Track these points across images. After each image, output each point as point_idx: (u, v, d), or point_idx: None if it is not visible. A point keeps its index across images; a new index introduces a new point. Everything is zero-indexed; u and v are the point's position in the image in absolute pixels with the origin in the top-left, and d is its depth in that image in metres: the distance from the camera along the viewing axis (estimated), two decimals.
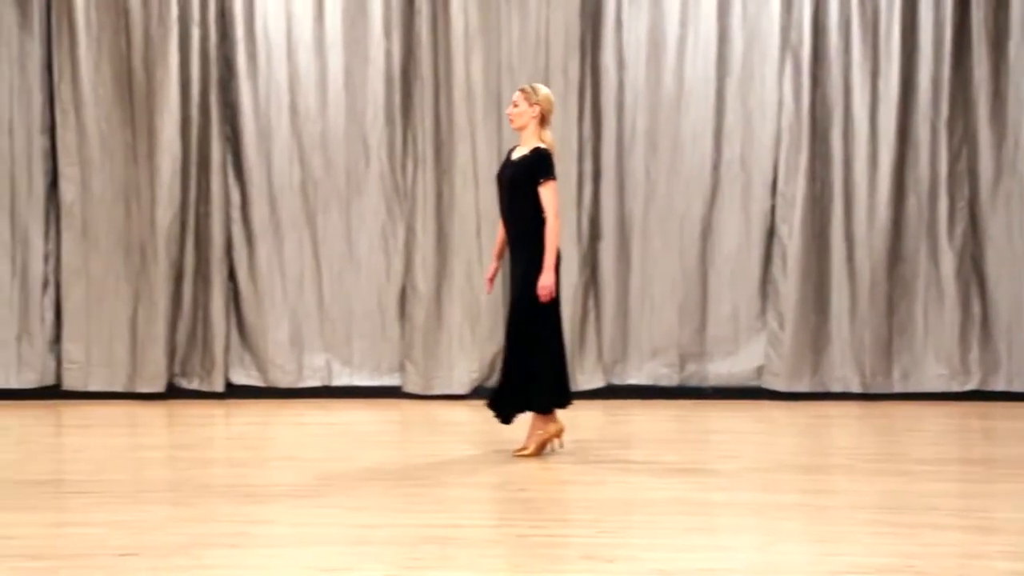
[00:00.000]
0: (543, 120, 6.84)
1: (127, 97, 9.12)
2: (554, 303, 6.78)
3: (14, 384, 9.17)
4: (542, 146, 6.82)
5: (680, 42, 9.24)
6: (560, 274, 6.88)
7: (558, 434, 7.02)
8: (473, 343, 9.22)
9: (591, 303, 9.33)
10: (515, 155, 6.92)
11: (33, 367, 9.21)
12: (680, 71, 9.25)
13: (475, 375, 9.23)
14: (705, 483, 6.37)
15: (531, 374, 6.81)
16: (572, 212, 9.20)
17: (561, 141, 9.15)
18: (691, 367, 9.34)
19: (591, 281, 9.34)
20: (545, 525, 5.49)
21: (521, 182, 6.78)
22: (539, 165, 6.75)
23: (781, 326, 9.22)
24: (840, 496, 6.17)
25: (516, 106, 6.86)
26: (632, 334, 9.34)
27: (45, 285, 9.25)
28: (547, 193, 6.73)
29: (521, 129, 6.89)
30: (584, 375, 9.23)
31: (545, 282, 6.69)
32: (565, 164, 9.18)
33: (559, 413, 7.03)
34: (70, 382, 9.20)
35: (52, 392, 9.19)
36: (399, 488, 6.24)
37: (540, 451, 6.94)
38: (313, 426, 8.29)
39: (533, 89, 6.87)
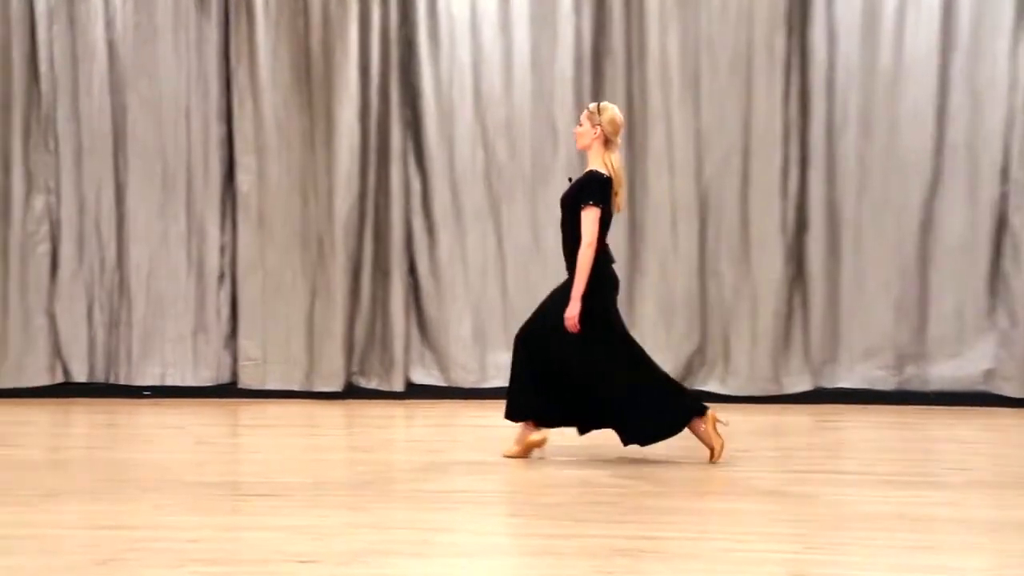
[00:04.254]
0: (607, 142, 6.89)
1: (305, 82, 9.34)
2: (604, 331, 6.82)
3: (190, 382, 9.47)
4: (598, 169, 6.88)
5: (899, 14, 9.02)
6: (607, 298, 6.85)
7: (540, 444, 7.12)
8: (668, 341, 9.16)
9: (797, 300, 9.19)
10: (577, 176, 7.04)
11: (209, 364, 9.51)
12: (898, 46, 9.03)
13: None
14: (928, 497, 6.21)
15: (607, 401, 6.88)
16: (776, 201, 9.08)
17: (765, 123, 9.04)
18: (910, 370, 9.12)
19: (797, 276, 9.19)
20: (748, 539, 5.42)
21: (570, 204, 6.90)
22: (586, 189, 6.83)
23: (1013, 325, 8.93)
24: None
25: (580, 125, 6.97)
26: (843, 333, 9.17)
27: (221, 278, 9.53)
28: (586, 219, 6.79)
29: (585, 149, 6.98)
30: (789, 377, 9.11)
31: (570, 313, 6.78)
32: (768, 149, 9.07)
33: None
34: (246, 380, 9.47)
35: (228, 390, 9.47)
36: (589, 496, 6.24)
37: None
38: (498, 429, 8.35)
39: (599, 109, 6.93)
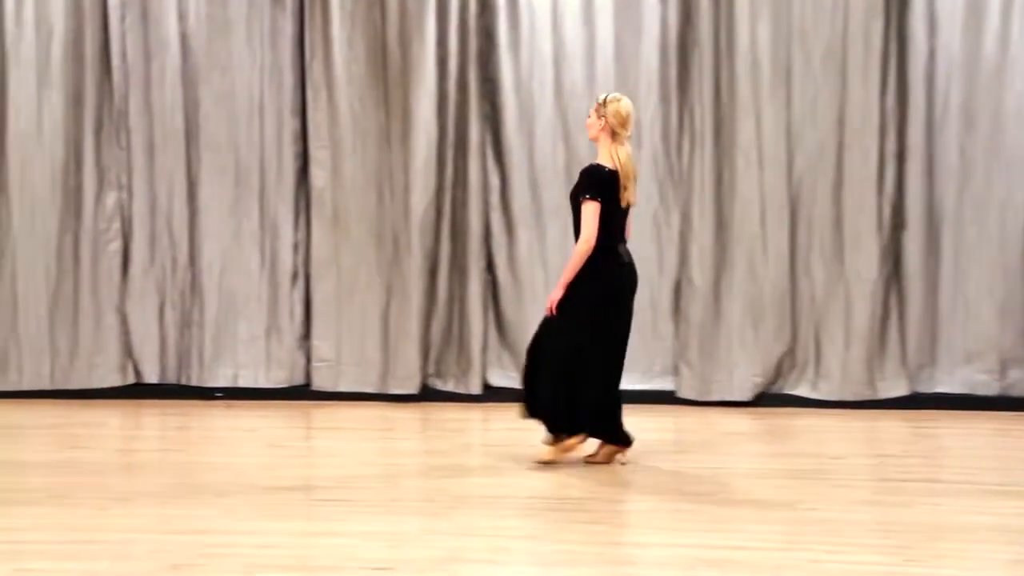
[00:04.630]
0: (614, 135, 7.02)
1: (381, 75, 9.37)
2: (577, 324, 6.97)
3: (263, 383, 9.54)
4: (601, 163, 7.04)
5: (1005, 1, 8.88)
6: (598, 294, 7.00)
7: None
8: (756, 343, 9.10)
9: (893, 300, 9.07)
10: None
11: (282, 365, 9.57)
12: (1004, 34, 8.88)
13: (759, 379, 9.11)
14: None
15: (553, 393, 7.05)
16: (872, 197, 8.97)
17: (860, 116, 8.93)
18: (1015, 374, 8.98)
19: (893, 275, 9.08)
20: (841, 550, 5.37)
21: (572, 196, 7.14)
22: (584, 183, 7.02)
23: None
24: None
25: (589, 117, 7.16)
26: (942, 336, 9.04)
27: (294, 277, 9.59)
28: (585, 212, 6.97)
29: (594, 141, 7.17)
30: (884, 381, 9.00)
31: (553, 296, 7.04)
32: (864, 142, 8.97)
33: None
34: (319, 382, 9.52)
35: (301, 392, 9.53)
36: (672, 504, 6.21)
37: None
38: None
39: (605, 101, 7.08)
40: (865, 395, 9.04)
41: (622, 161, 7.00)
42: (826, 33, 9.00)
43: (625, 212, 7.11)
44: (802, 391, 9.14)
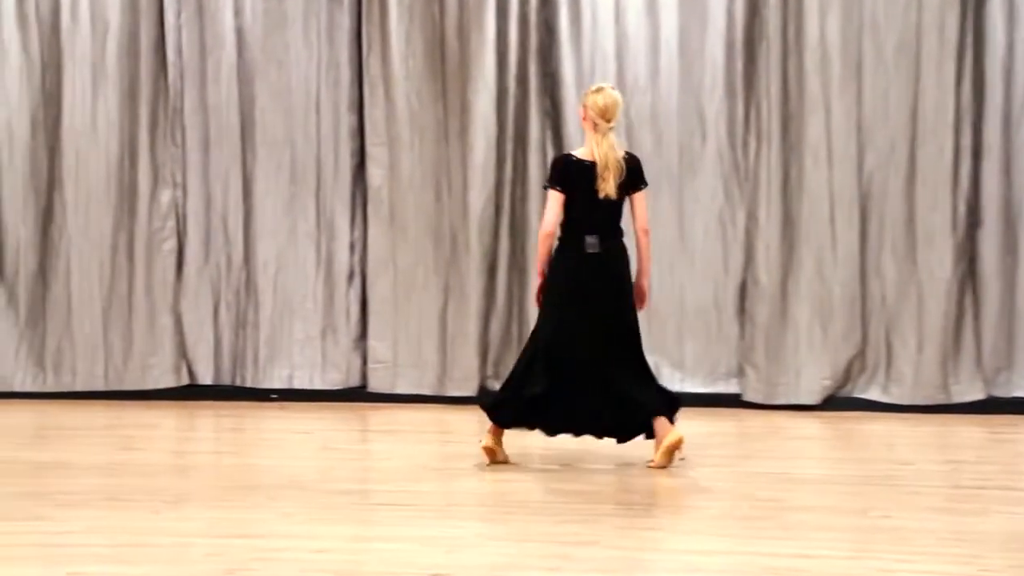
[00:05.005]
0: (595, 125, 7.16)
1: (439, 69, 9.40)
2: (544, 314, 7.24)
3: (318, 384, 9.60)
4: (571, 152, 7.35)
5: None
6: (559, 283, 7.19)
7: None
8: (824, 345, 9.05)
9: (968, 300, 9.00)
10: None
11: (338, 367, 9.62)
12: None
13: (827, 382, 9.06)
14: None
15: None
16: (946, 194, 8.91)
17: (934, 111, 8.87)
18: None
19: (968, 275, 9.01)
20: (912, 559, 5.34)
21: None
22: (549, 171, 7.39)
23: None
24: None
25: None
26: (1019, 338, 8.95)
27: (350, 277, 9.64)
28: (548, 201, 7.24)
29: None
30: (959, 385, 8.93)
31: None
32: (938, 138, 8.90)
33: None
34: (376, 383, 9.56)
35: (357, 394, 9.58)
36: (737, 510, 6.20)
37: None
38: (639, 437, 8.33)
39: (587, 92, 7.31)
40: (938, 399, 8.97)
41: (601, 152, 7.10)
42: (899, 25, 8.94)
43: (609, 203, 7.13)
44: (872, 395, 9.08)
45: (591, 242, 7.15)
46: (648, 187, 7.30)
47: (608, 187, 7.10)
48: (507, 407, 7.26)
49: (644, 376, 7.25)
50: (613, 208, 7.16)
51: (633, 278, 7.28)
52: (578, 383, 7.13)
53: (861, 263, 9.09)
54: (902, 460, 7.38)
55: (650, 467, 7.08)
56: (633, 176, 7.17)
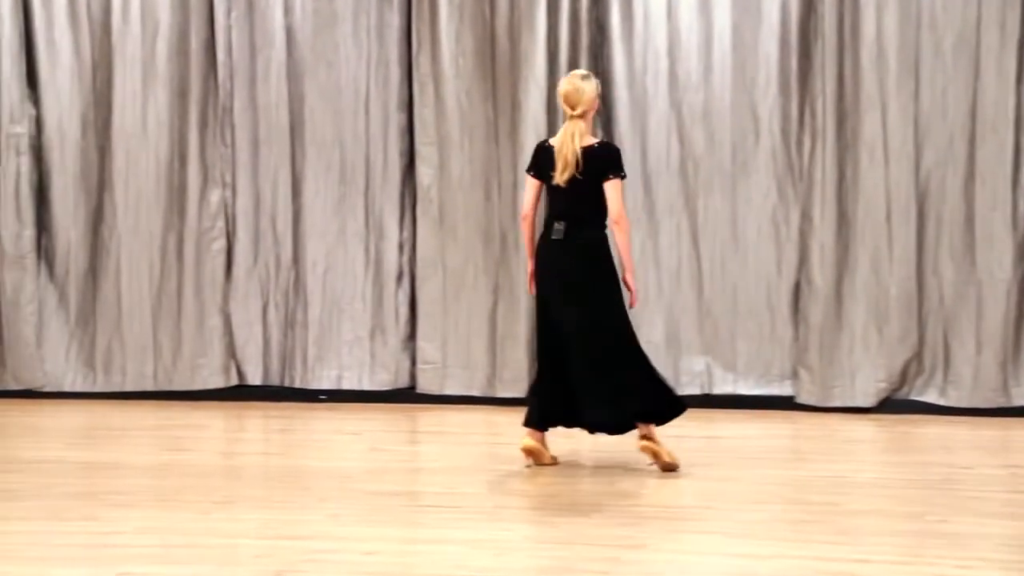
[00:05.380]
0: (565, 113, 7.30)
1: (489, 68, 9.41)
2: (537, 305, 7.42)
3: (367, 385, 9.63)
4: (546, 139, 7.54)
5: None
6: (536, 277, 7.34)
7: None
8: (880, 346, 9.00)
9: None
10: None
11: (387, 367, 9.65)
12: None
13: (883, 384, 9.01)
14: None
15: None
16: (1006, 192, 8.84)
17: (994, 108, 8.81)
18: None
19: None
20: (970, 565, 5.30)
21: None
22: None
23: None
24: None
25: None
26: None
27: (399, 277, 9.67)
28: None
29: None
30: (1020, 387, 8.86)
31: None
32: (998, 135, 8.84)
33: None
34: (425, 384, 9.58)
35: (406, 395, 9.60)
36: (791, 514, 6.18)
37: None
38: (692, 439, 8.31)
39: None
40: (998, 402, 8.90)
41: (559, 140, 7.22)
42: (957, 20, 8.87)
43: (575, 192, 7.14)
44: (930, 397, 9.02)
45: (557, 228, 7.22)
46: (625, 178, 7.25)
47: (557, 174, 7.15)
48: (528, 406, 7.36)
49: (618, 376, 7.15)
50: (582, 197, 7.15)
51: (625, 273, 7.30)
52: (558, 375, 7.23)
53: (918, 263, 9.02)
54: (960, 464, 7.33)
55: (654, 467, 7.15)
56: (598, 165, 7.14)
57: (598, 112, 9.39)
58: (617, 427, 7.25)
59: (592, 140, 7.25)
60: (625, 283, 7.26)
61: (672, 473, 7.07)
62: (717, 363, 9.28)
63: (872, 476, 7.11)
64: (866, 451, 7.99)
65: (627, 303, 7.26)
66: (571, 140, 7.13)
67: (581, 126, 7.17)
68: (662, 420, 7.18)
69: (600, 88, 7.46)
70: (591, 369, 7.11)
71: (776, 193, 9.19)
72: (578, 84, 7.21)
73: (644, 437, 7.11)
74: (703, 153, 9.28)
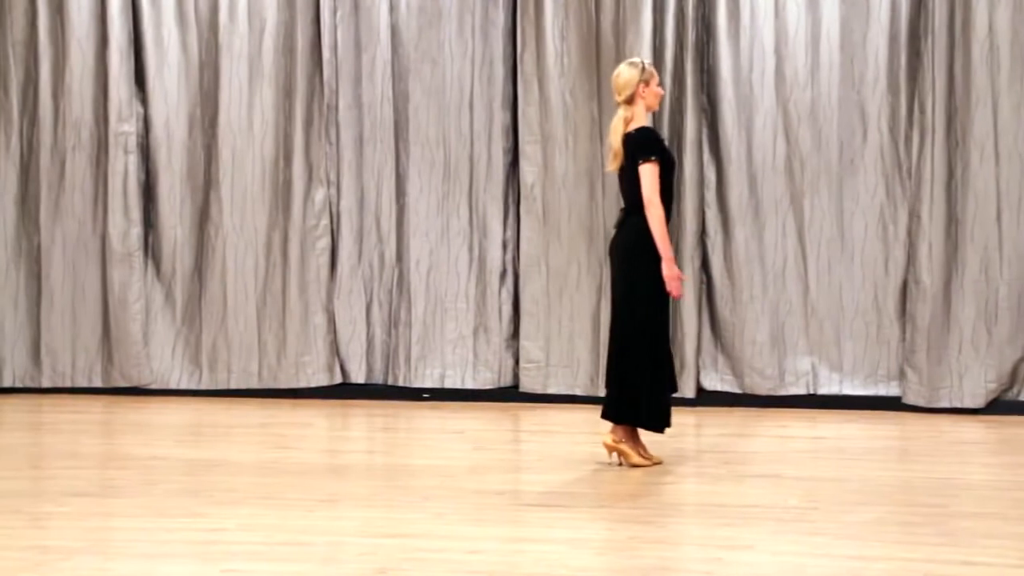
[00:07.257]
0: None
1: (594, 66, 9.44)
2: None
3: (470, 384, 9.70)
4: None
5: None
6: None
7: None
8: (989, 347, 8.90)
9: None
10: None
11: (490, 366, 9.71)
12: None
13: (992, 385, 8.91)
14: None
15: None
16: None
17: None
18: None
19: None
20: None
21: None
22: None
23: None
24: None
25: None
26: None
27: (503, 276, 9.72)
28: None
29: None
30: None
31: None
32: None
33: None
34: (528, 383, 9.63)
35: (509, 394, 9.65)
36: (898, 516, 6.14)
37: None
38: (797, 440, 8.29)
39: None
40: None
41: (610, 128, 7.38)
42: None
43: (623, 178, 7.28)
44: None
45: (619, 216, 7.43)
46: (656, 162, 7.14)
47: (609, 164, 7.38)
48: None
49: (627, 366, 7.21)
50: (627, 183, 7.26)
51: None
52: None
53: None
54: None
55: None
56: (633, 150, 7.19)
57: (703, 110, 9.40)
58: (606, 414, 7.37)
59: (636, 126, 7.27)
60: (661, 272, 7.21)
61: (776, 475, 7.05)
62: (823, 363, 9.23)
63: (981, 478, 7.03)
64: (974, 453, 7.90)
65: (667, 294, 7.26)
66: (616, 128, 7.28)
67: (628, 113, 7.22)
68: (636, 424, 7.31)
69: (649, 74, 7.28)
70: (608, 356, 7.34)
71: (884, 192, 9.12)
72: (621, 70, 7.31)
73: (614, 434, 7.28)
74: (810, 151, 9.23)
